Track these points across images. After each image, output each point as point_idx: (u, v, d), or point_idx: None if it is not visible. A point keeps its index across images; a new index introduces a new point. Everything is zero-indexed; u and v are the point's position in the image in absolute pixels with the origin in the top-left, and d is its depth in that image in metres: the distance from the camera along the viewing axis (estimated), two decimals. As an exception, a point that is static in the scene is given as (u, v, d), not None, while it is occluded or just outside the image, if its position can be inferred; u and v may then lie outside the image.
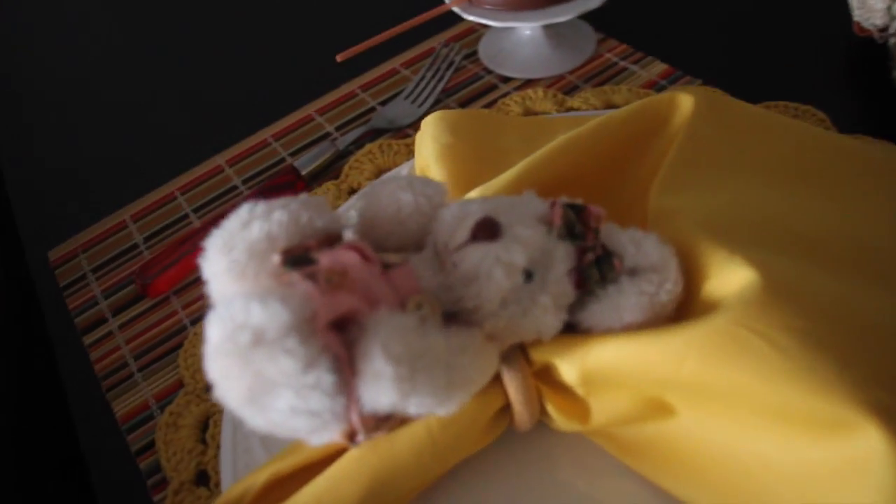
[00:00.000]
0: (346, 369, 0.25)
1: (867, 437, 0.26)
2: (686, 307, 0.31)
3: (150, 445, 0.44)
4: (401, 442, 0.31)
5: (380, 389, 0.25)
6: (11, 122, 0.73)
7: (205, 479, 0.41)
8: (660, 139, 0.38)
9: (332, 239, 0.30)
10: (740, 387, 0.27)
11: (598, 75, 0.59)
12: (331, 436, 0.28)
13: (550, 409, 0.33)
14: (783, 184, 0.36)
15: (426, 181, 0.31)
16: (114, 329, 0.51)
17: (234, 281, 0.28)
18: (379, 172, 0.55)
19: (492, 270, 0.28)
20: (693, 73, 0.57)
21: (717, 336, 0.27)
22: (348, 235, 0.31)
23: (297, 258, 0.27)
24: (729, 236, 0.31)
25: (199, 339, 0.47)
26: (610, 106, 0.55)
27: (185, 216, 0.57)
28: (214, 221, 0.54)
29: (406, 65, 0.64)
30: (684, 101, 0.39)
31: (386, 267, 0.29)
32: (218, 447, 0.41)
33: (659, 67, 0.59)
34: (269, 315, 0.24)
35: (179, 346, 0.48)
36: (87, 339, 0.51)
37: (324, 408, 0.25)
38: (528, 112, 0.56)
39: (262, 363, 0.24)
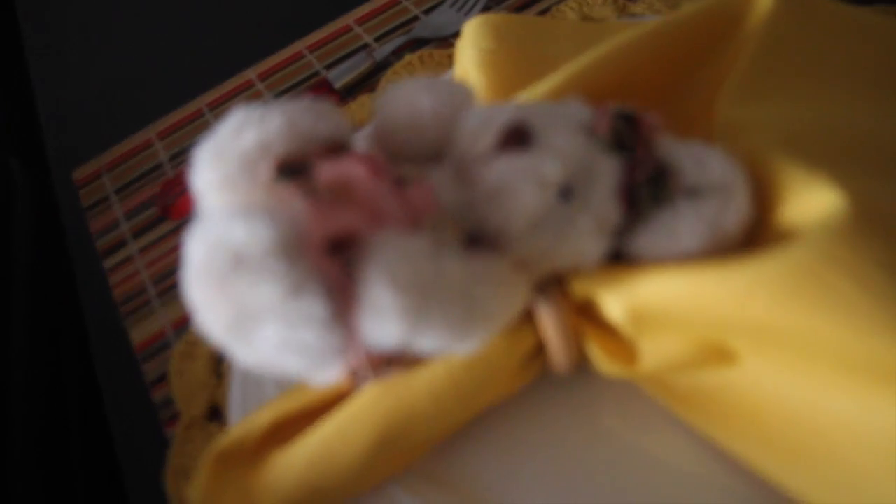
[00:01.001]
0: (345, 297, 0.22)
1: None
2: (757, 236, 0.26)
3: (165, 376, 0.42)
4: (418, 383, 0.28)
5: (383, 322, 0.22)
6: (42, 39, 0.70)
7: (218, 414, 0.39)
8: (732, 42, 0.33)
9: (337, 148, 0.26)
10: (820, 334, 0.23)
11: (668, -21, 0.53)
12: (333, 375, 0.25)
13: (592, 349, 0.29)
14: (881, 98, 0.31)
15: (449, 83, 0.28)
16: (134, 252, 0.49)
17: (225, 194, 0.25)
18: (418, 86, 0.51)
19: (520, 185, 0.24)
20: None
21: (793, 271, 0.23)
22: (360, 145, 0.28)
23: (292, 169, 0.24)
24: (811, 154, 0.27)
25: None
26: (680, 13, 0.49)
27: (213, 134, 0.54)
28: None
29: (454, -30, 0.59)
30: (763, 1, 0.34)
31: (400, 181, 0.25)
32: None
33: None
34: (252, 233, 0.21)
35: (200, 271, 0.46)
36: (108, 263, 0.49)
37: (317, 341, 0.22)
38: (586, 19, 0.51)
39: (243, 288, 0.21)
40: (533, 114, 0.25)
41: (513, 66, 0.39)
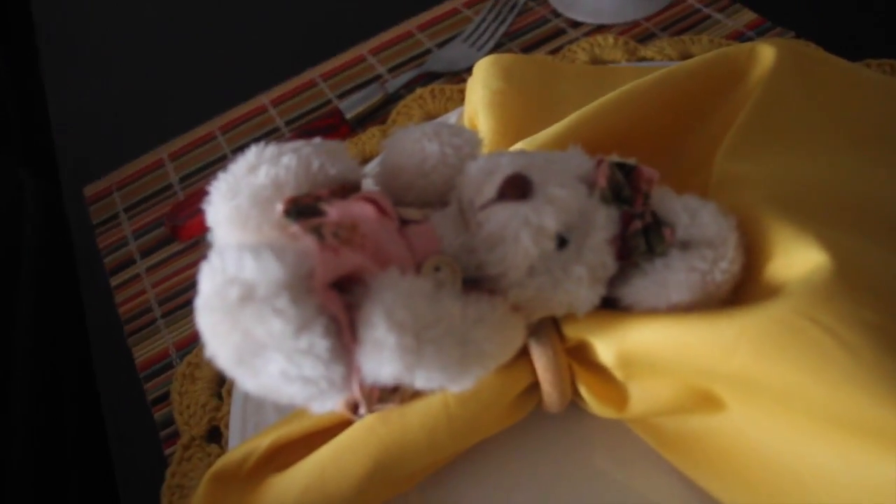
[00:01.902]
0: (345, 334, 0.24)
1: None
2: (745, 290, 0.28)
3: (167, 395, 0.43)
4: (413, 415, 0.30)
5: (381, 360, 0.23)
6: (58, 55, 0.73)
7: (217, 435, 0.40)
8: (733, 96, 0.35)
9: (347, 189, 0.28)
10: (798, 387, 0.25)
11: (678, 23, 0.55)
12: (332, 405, 0.26)
13: (584, 391, 0.30)
14: (875, 155, 0.33)
15: (457, 129, 0.29)
16: (141, 271, 0.51)
17: (237, 230, 0.27)
18: (428, 118, 0.53)
19: (519, 233, 0.26)
20: (785, 25, 0.53)
21: (775, 326, 0.25)
22: (369, 186, 0.29)
23: (302, 208, 0.25)
24: (801, 211, 0.28)
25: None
26: (686, 58, 0.51)
27: (224, 157, 0.56)
28: None
29: (468, 5, 0.61)
30: (765, 54, 0.36)
31: (404, 223, 0.27)
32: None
33: (747, 16, 0.55)
34: (262, 269, 0.23)
35: (205, 293, 0.48)
36: (115, 281, 0.51)
37: (318, 375, 0.23)
38: (596, 61, 0.53)
39: (250, 322, 0.23)
40: (534, 164, 0.27)
41: (520, 107, 0.40)
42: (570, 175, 0.27)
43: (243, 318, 0.23)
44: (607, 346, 0.28)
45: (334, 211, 0.25)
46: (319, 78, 0.59)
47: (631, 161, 0.29)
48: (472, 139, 0.29)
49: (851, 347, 0.24)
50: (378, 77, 0.58)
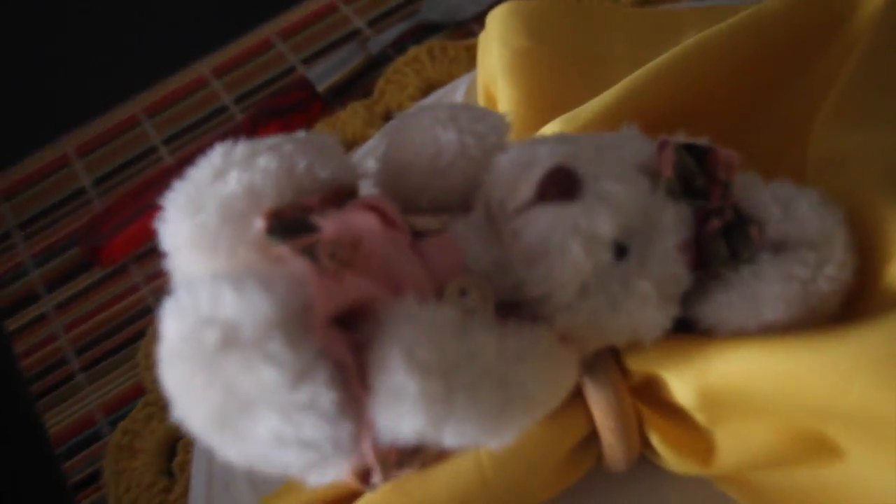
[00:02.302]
0: (354, 383, 0.26)
1: None
2: (859, 302, 0.31)
3: (96, 476, 0.46)
4: (439, 484, 0.32)
5: (401, 412, 0.26)
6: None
7: (170, 526, 0.43)
8: (833, 46, 0.38)
9: (341, 195, 0.30)
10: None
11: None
12: (336, 474, 0.29)
13: (656, 441, 0.33)
14: None
15: (478, 113, 0.32)
16: (49, 310, 0.54)
17: (203, 254, 0.29)
18: (428, 89, 0.56)
19: (566, 243, 0.28)
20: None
21: (903, 345, 0.28)
22: (366, 189, 0.32)
23: (289, 223, 0.28)
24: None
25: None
26: (772, -10, 0.54)
27: (153, 149, 0.60)
28: (195, 158, 0.56)
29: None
30: (876, -14, 0.38)
31: (418, 235, 0.30)
32: (189, 481, 0.43)
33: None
34: (246, 305, 0.25)
35: (138, 335, 0.51)
36: (12, 325, 0.54)
37: (322, 437, 0.26)
38: (646, 1, 0.56)
39: (234, 373, 0.25)
40: (580, 153, 0.30)
41: (552, 72, 0.43)
42: (626, 164, 0.30)
43: (225, 368, 0.25)
44: (685, 381, 0.31)
45: (330, 225, 0.28)
46: (276, 36, 0.63)
47: (703, 142, 0.32)
48: (500, 124, 0.32)
49: None
50: (356, 33, 0.61)
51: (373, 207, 0.30)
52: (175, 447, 0.45)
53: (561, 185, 0.29)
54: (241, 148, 0.30)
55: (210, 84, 0.62)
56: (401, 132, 0.32)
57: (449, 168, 0.32)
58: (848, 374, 0.28)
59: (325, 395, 0.26)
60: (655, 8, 0.50)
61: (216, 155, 0.30)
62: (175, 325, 0.26)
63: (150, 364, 0.48)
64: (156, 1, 0.69)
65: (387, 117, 0.56)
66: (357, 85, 0.58)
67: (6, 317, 0.54)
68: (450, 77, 0.56)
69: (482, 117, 0.32)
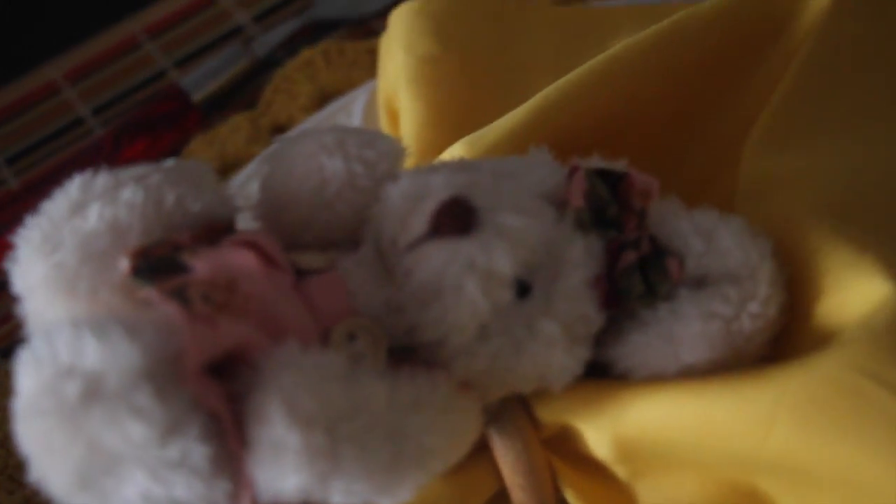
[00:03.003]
0: (230, 436, 0.31)
1: None
2: (786, 342, 0.35)
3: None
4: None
5: (283, 469, 0.30)
6: None
7: None
8: (770, 57, 0.43)
9: (216, 230, 0.35)
10: (860, 471, 0.32)
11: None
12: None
13: (572, 498, 0.38)
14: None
15: (367, 137, 0.36)
16: None
17: (61, 297, 0.33)
18: (323, 98, 0.61)
19: (462, 281, 0.33)
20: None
21: (824, 388, 0.32)
22: (245, 223, 0.36)
23: (157, 263, 0.32)
24: (861, 221, 0.36)
25: (12, 381, 0.53)
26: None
27: (-8, 171, 0.63)
28: (44, 182, 0.60)
29: None
30: (817, -7, 0.43)
31: (301, 274, 0.34)
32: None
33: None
34: (110, 354, 0.29)
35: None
36: None
37: (195, 496, 0.30)
38: (576, -6, 0.61)
39: (98, 428, 0.29)
40: (478, 183, 0.34)
41: (462, 83, 0.48)
42: (529, 194, 0.35)
43: (88, 424, 0.29)
44: (600, 431, 0.36)
45: (202, 264, 0.32)
46: (143, 33, 0.67)
47: (619, 166, 0.36)
48: (393, 150, 0.36)
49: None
50: (238, 31, 0.66)
51: (251, 244, 0.34)
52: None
53: (456, 218, 0.33)
54: (103, 179, 0.34)
55: (62, 92, 0.65)
56: (282, 159, 0.37)
57: (335, 199, 0.36)
58: (767, 420, 0.33)
59: (197, 451, 0.30)
60: (585, 6, 0.55)
61: (74, 187, 0.35)
62: (32, 377, 0.30)
63: (-5, 425, 0.52)
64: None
65: (275, 131, 0.60)
66: (240, 94, 0.63)
67: None
68: (348, 84, 0.60)
69: (372, 142, 0.36)
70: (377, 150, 0.36)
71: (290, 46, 0.63)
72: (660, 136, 0.42)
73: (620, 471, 0.37)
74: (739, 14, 0.44)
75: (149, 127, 0.60)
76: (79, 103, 0.65)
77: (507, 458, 0.37)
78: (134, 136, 0.60)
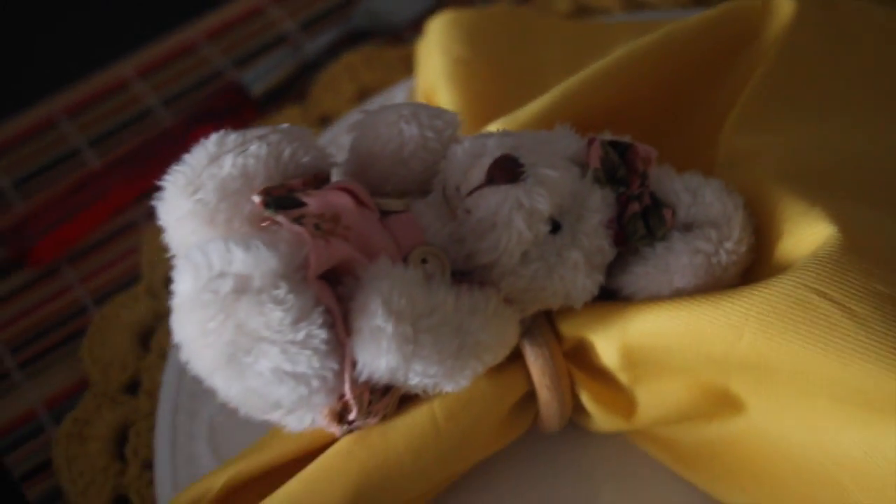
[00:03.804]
0: (339, 326, 0.40)
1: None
2: (754, 273, 0.46)
3: (44, 466, 0.59)
4: (397, 432, 0.46)
5: (378, 350, 0.40)
6: None
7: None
8: (744, 59, 0.54)
9: (319, 178, 0.45)
10: (811, 365, 0.42)
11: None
12: (314, 417, 0.43)
13: (586, 399, 0.48)
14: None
15: (435, 111, 0.47)
16: (-24, 311, 0.66)
17: (202, 227, 0.43)
18: (364, 95, 0.70)
19: (511, 217, 0.43)
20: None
21: (783, 301, 0.42)
22: (335, 175, 0.46)
23: (280, 199, 0.42)
24: (814, 184, 0.46)
25: (108, 323, 0.63)
26: (701, 2, 0.70)
27: (77, 151, 0.73)
28: (126, 160, 0.73)
29: (402, -69, 0.80)
30: (783, 8, 0.54)
31: (384, 214, 0.44)
32: (142, 464, 0.57)
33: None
34: (255, 260, 0.39)
35: (76, 333, 0.64)
36: (-64, 324, 0.66)
37: (312, 370, 0.40)
38: (581, 10, 0.72)
39: (246, 314, 0.39)
40: (523, 145, 0.45)
41: (490, 79, 0.58)
42: (560, 155, 0.45)
43: (238, 311, 0.39)
44: (609, 342, 0.46)
45: (313, 201, 0.42)
46: (203, 38, 0.77)
47: (625, 139, 0.47)
48: (455, 120, 0.47)
49: (861, 319, 0.42)
50: (285, 37, 0.75)
51: (347, 189, 0.44)
52: (126, 433, 0.59)
53: (506, 170, 0.43)
54: (233, 136, 0.44)
55: (133, 86, 0.75)
56: (367, 126, 0.47)
57: (411, 158, 0.46)
58: (740, 325, 0.43)
59: (318, 335, 0.40)
60: (588, 21, 0.65)
61: (211, 143, 0.44)
62: (190, 280, 0.40)
63: (95, 358, 0.61)
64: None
65: (322, 122, 0.69)
66: (291, 90, 0.72)
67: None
68: (384, 83, 0.70)
69: (440, 114, 0.47)
70: (444, 119, 0.47)
71: (333, 51, 0.74)
72: (655, 120, 0.53)
73: (624, 377, 0.47)
74: (716, 27, 0.54)
75: (213, 117, 0.70)
76: (150, 96, 0.75)
77: (536, 364, 0.47)
78: (200, 125, 0.69)
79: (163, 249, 0.63)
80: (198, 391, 0.55)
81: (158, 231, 0.63)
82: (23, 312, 0.66)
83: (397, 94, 0.65)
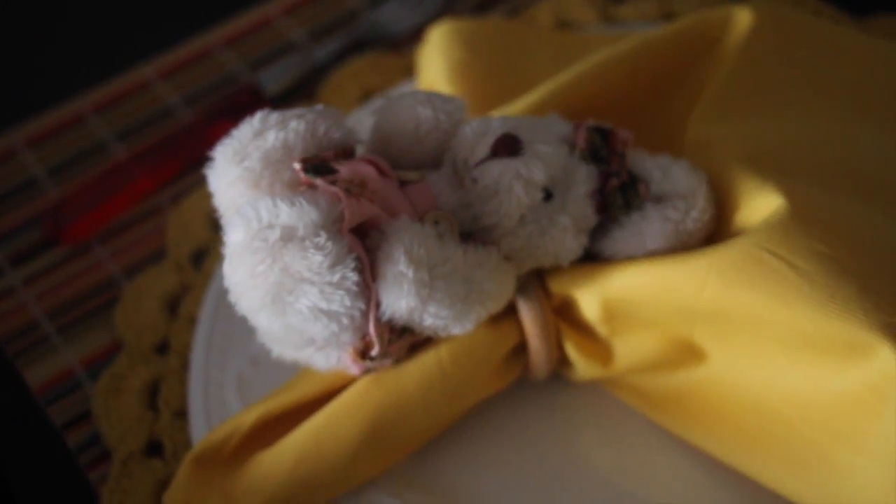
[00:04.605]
0: (366, 272, 0.48)
1: (884, 360, 0.48)
2: (717, 238, 0.53)
3: (79, 418, 0.66)
4: (408, 375, 0.54)
5: (400, 292, 0.47)
6: None
7: (157, 449, 0.63)
8: (707, 63, 0.62)
9: (347, 152, 0.52)
10: (762, 312, 0.50)
11: (659, -25, 0.82)
12: (339, 356, 0.50)
13: (570, 349, 0.55)
14: (843, 113, 0.60)
15: (446, 97, 0.54)
16: (16, 283, 0.73)
17: (248, 190, 0.50)
18: (367, 96, 0.78)
19: (512, 185, 0.50)
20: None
21: (739, 258, 0.50)
22: (360, 151, 0.54)
23: (317, 166, 0.49)
24: (766, 166, 0.54)
25: (139, 292, 0.70)
26: (669, 16, 0.78)
27: (104, 144, 0.80)
28: (151, 152, 0.81)
29: (400, -49, 0.87)
30: (742, 19, 0.62)
31: (402, 183, 0.52)
32: (173, 414, 0.64)
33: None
34: (299, 213, 0.46)
35: (108, 302, 0.71)
36: (-23, 298, 0.73)
37: (344, 308, 0.47)
38: (562, 24, 0.80)
39: (291, 259, 0.46)
40: (522, 125, 0.52)
41: (486, 79, 0.66)
42: (553, 136, 0.52)
43: (284, 256, 0.46)
44: (591, 297, 0.53)
45: (345, 169, 0.50)
46: (220, 44, 0.84)
47: (607, 125, 0.54)
48: (463, 105, 0.54)
49: (805, 273, 0.49)
50: (295, 44, 0.83)
51: (371, 161, 0.51)
52: (158, 387, 0.66)
53: (508, 146, 0.51)
54: (275, 114, 0.52)
55: (154, 86, 0.82)
56: (388, 110, 0.54)
57: (426, 137, 0.54)
58: (703, 278, 0.50)
59: (350, 277, 0.47)
60: (571, 32, 0.73)
61: (255, 119, 0.52)
62: (242, 231, 0.47)
63: (129, 323, 0.68)
64: (103, 7, 0.89)
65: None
66: (301, 91, 0.80)
67: (-27, 288, 0.73)
68: (386, 86, 0.78)
69: (451, 100, 0.54)
70: (454, 104, 0.54)
71: (340, 57, 0.81)
72: (632, 111, 0.60)
73: (603, 330, 0.55)
74: (684, 34, 0.63)
75: (231, 113, 0.76)
76: (171, 94, 0.82)
77: (528, 316, 0.54)
78: (218, 121, 0.76)
79: (186, 229, 0.71)
80: (226, 347, 0.63)
81: (181, 213, 0.71)
82: (59, 285, 0.73)
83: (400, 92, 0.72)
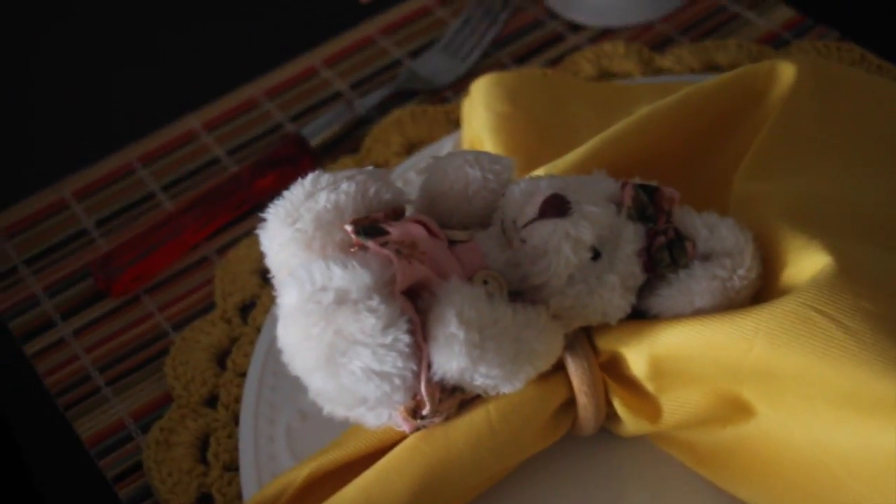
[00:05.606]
0: (418, 334, 0.48)
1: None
2: (763, 296, 0.54)
3: (131, 470, 0.67)
4: (457, 432, 0.54)
5: (451, 353, 0.48)
6: None
7: (208, 502, 0.64)
8: (752, 117, 0.62)
9: (397, 212, 0.53)
10: (810, 371, 0.50)
11: (699, 24, 0.83)
12: (390, 414, 0.51)
13: (618, 404, 0.56)
14: (887, 167, 0.60)
15: (494, 157, 0.55)
16: (66, 335, 0.74)
17: (300, 251, 0.51)
18: (411, 147, 0.79)
19: (560, 245, 0.51)
20: (828, 22, 0.80)
21: (785, 318, 0.50)
22: (409, 211, 0.55)
23: (368, 228, 0.50)
24: (813, 223, 0.54)
25: (188, 345, 0.71)
26: (711, 68, 0.79)
27: (152, 195, 0.82)
28: (197, 203, 0.80)
29: (444, 2, 0.88)
30: (785, 73, 0.63)
31: (451, 243, 0.52)
32: (223, 467, 0.64)
33: (783, 14, 0.82)
34: (352, 276, 0.47)
35: (158, 354, 0.72)
36: (30, 349, 0.74)
37: (396, 370, 0.48)
38: (604, 73, 0.80)
39: (344, 321, 0.47)
40: (569, 185, 0.53)
41: (529, 133, 0.67)
42: (599, 195, 0.53)
43: (338, 318, 0.47)
44: (638, 354, 0.54)
45: (395, 231, 0.50)
46: (263, 95, 0.85)
47: (653, 183, 0.55)
48: (510, 165, 0.55)
49: (852, 332, 0.50)
50: (337, 95, 0.84)
51: (420, 222, 0.52)
52: (208, 440, 0.66)
53: (556, 206, 0.52)
54: (326, 176, 0.53)
55: (201, 137, 0.84)
56: (437, 169, 0.55)
57: (474, 196, 0.55)
58: (751, 337, 0.51)
59: (402, 339, 0.48)
60: (611, 82, 0.74)
61: (307, 181, 0.53)
62: (296, 293, 0.48)
63: (177, 375, 0.69)
64: (152, 57, 0.91)
65: (375, 170, 0.78)
66: (345, 142, 0.81)
67: (25, 342, 0.74)
68: (429, 137, 0.79)
69: (498, 160, 0.55)
70: (502, 164, 0.55)
71: (382, 108, 0.82)
72: (677, 167, 0.61)
73: (651, 386, 0.55)
74: (729, 88, 0.63)
75: (275, 164, 0.78)
76: (214, 146, 0.83)
77: (576, 373, 0.55)
78: (264, 172, 0.78)
79: (233, 281, 0.72)
80: (275, 400, 0.64)
81: (229, 265, 0.73)
82: (108, 337, 0.74)
83: (445, 146, 0.74)
